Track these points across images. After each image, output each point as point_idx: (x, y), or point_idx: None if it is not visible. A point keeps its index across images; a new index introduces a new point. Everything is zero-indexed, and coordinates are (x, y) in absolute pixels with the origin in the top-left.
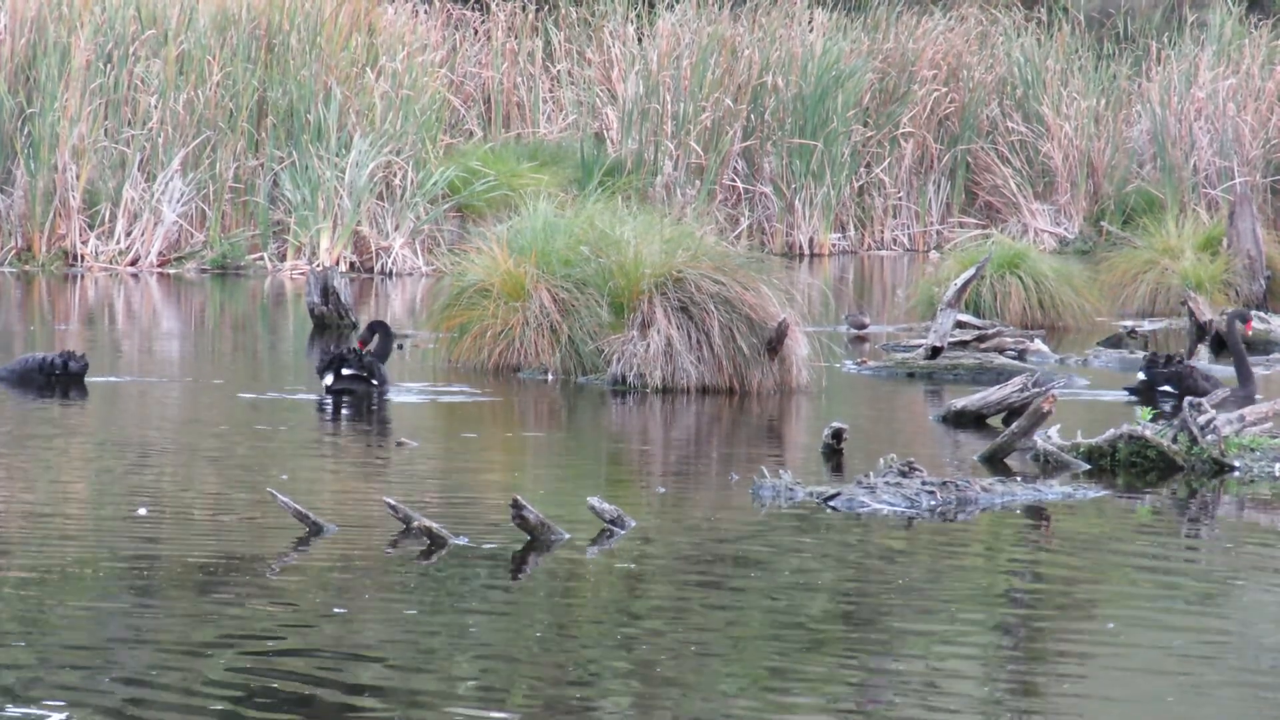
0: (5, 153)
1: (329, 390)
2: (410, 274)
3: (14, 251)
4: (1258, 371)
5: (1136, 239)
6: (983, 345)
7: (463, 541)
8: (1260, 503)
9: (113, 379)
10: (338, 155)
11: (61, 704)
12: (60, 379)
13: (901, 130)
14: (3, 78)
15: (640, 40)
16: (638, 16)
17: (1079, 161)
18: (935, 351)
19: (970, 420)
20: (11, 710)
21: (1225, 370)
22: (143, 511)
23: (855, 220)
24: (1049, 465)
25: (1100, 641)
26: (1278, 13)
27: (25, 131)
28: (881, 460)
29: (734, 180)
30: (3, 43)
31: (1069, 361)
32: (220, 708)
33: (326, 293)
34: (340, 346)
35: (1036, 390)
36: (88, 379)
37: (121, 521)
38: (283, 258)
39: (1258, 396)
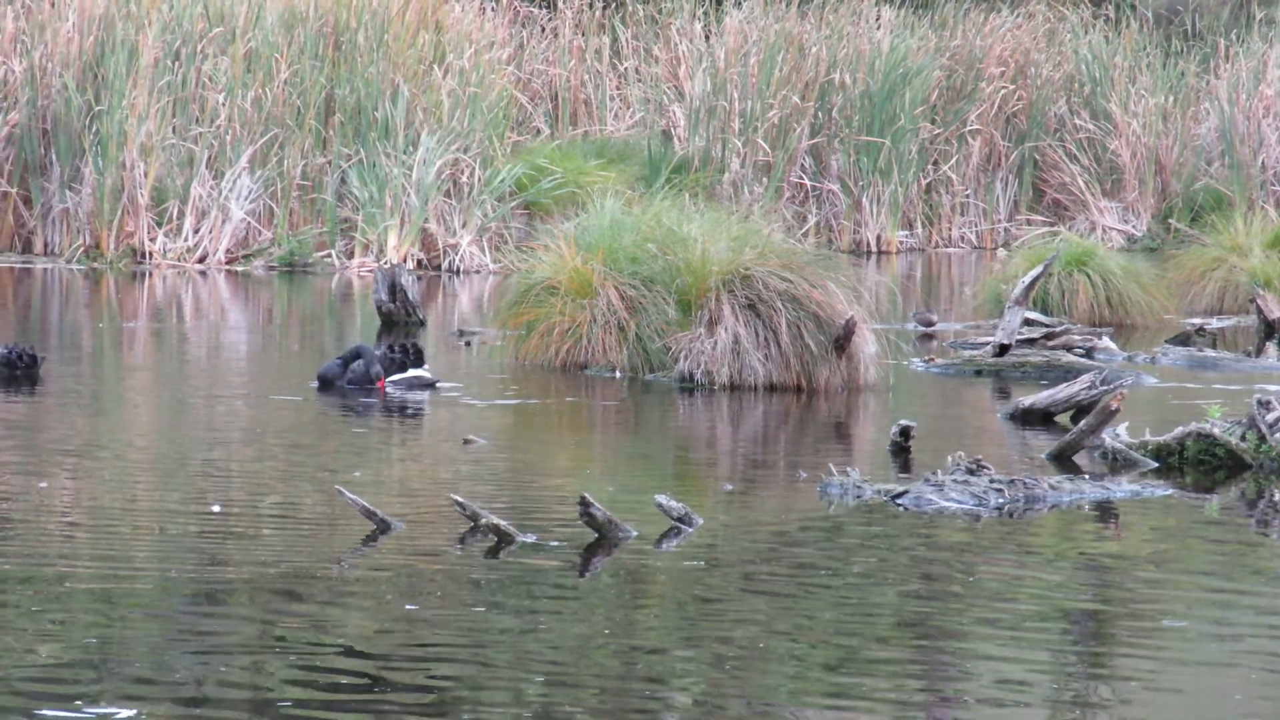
0: (74, 150)
1: (394, 384)
2: (477, 271)
3: (83, 249)
4: None
5: (1204, 236)
6: (1050, 343)
7: (530, 539)
8: None
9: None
10: (405, 153)
11: (131, 703)
12: (26, 371)
13: (969, 128)
14: (71, 75)
15: (707, 38)
16: (705, 14)
17: (1147, 159)
18: (1003, 349)
19: (1038, 418)
20: (82, 709)
21: None
22: (217, 508)
23: (923, 217)
24: (1117, 463)
25: (1167, 639)
26: None
27: (93, 129)
28: (949, 458)
29: (801, 177)
30: (71, 40)
31: (1137, 359)
32: (288, 706)
33: (394, 290)
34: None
35: (1104, 388)
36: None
37: (193, 518)
38: (350, 255)
39: None
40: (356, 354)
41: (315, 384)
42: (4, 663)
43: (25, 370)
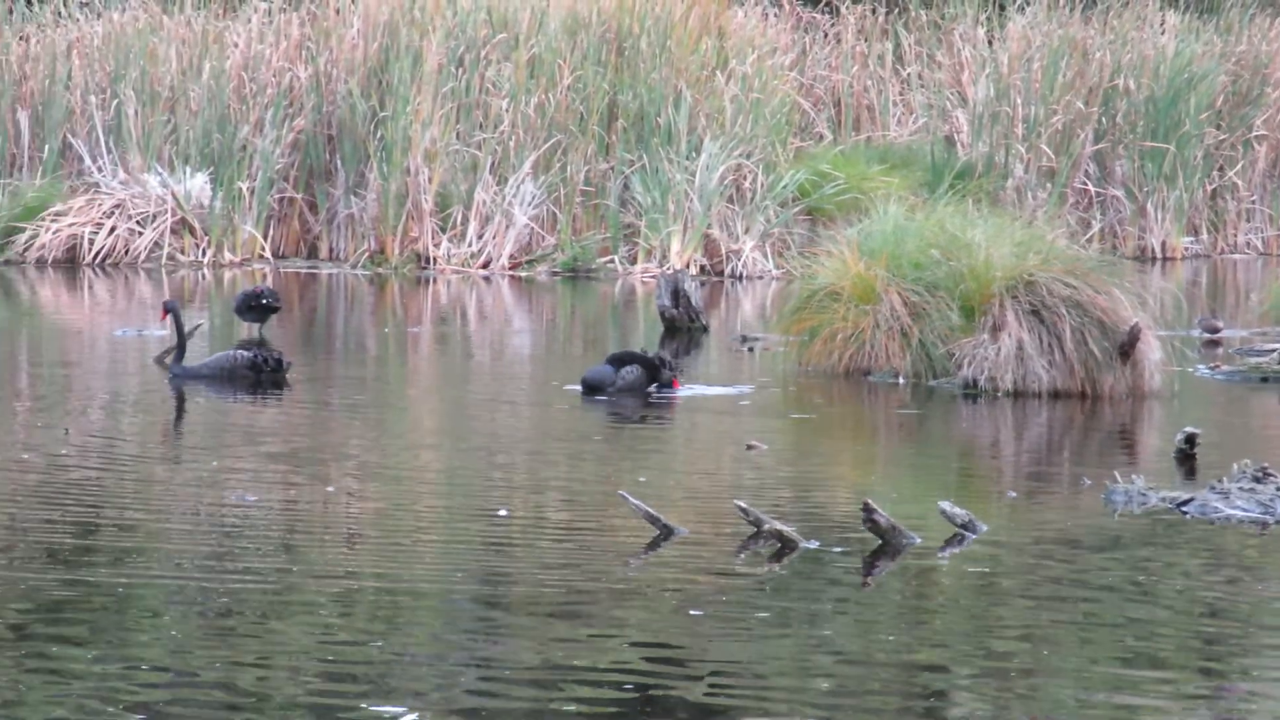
0: (359, 156)
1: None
2: (760, 277)
3: (367, 254)
4: None
5: None
6: None
7: (813, 545)
8: None
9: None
10: (688, 158)
11: (416, 703)
12: (271, 375)
13: (1254, 133)
14: (356, 81)
15: (990, 43)
16: (988, 19)
17: None
18: None
19: None
20: (365, 708)
21: None
22: (504, 512)
23: (1208, 223)
24: None
25: None
26: None
27: (378, 135)
28: (1235, 465)
29: (1085, 183)
30: (356, 47)
31: None
32: (570, 708)
33: (677, 296)
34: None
35: None
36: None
37: (478, 522)
38: (633, 261)
39: None
40: (624, 359)
41: (580, 388)
42: (293, 663)
43: (270, 374)
